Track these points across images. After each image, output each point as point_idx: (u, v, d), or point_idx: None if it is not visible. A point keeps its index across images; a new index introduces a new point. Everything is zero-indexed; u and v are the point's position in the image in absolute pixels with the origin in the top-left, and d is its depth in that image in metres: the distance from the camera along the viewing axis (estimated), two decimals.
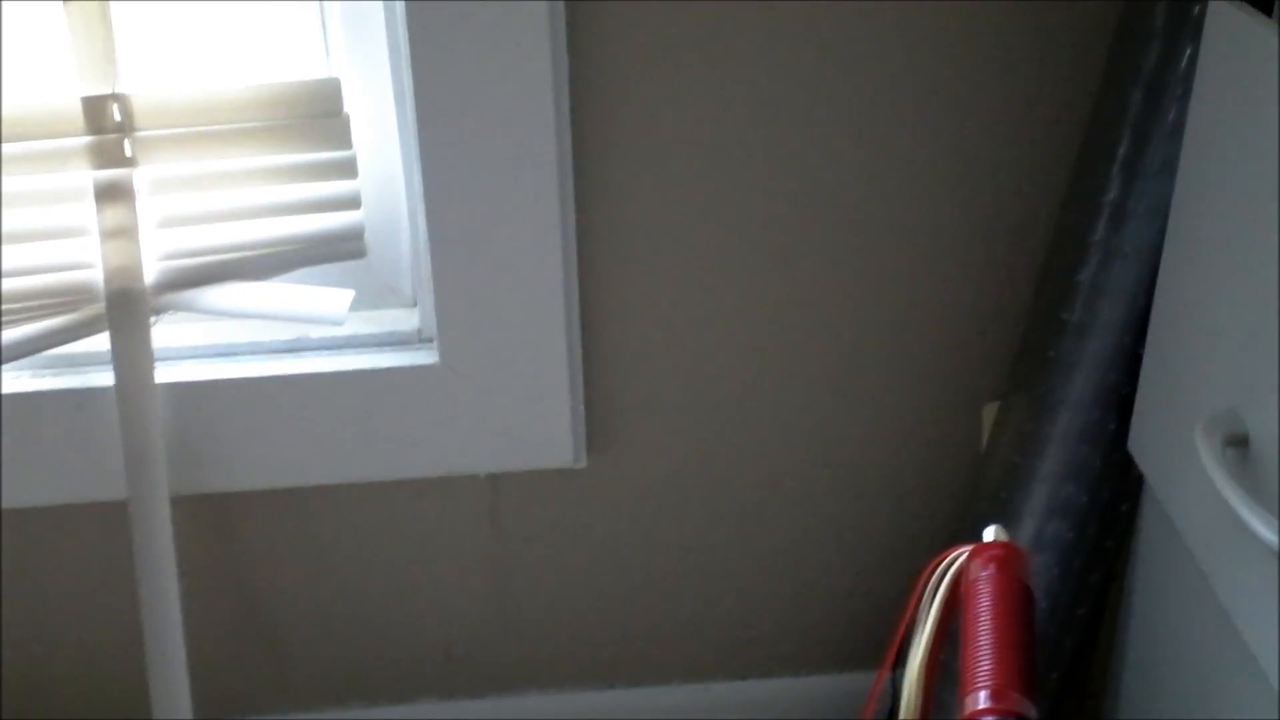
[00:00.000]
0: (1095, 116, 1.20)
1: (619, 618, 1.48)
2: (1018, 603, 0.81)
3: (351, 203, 1.26)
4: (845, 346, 1.35)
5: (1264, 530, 0.86)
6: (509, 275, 1.27)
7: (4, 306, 1.25)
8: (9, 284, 1.24)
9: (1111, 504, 1.22)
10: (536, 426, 1.33)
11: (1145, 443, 1.16)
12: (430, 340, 1.32)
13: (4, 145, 1.19)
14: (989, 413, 1.35)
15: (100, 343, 1.26)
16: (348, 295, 1.27)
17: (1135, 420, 1.17)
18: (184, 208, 1.24)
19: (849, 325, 1.34)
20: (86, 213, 1.22)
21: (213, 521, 1.39)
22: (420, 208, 1.25)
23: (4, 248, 1.23)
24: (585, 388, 1.33)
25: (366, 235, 1.27)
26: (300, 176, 1.24)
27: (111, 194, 1.22)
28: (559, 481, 1.38)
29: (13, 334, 1.26)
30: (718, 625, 1.49)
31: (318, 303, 1.27)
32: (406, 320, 1.34)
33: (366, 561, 1.43)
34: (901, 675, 0.93)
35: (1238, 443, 0.95)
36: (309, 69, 1.25)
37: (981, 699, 0.76)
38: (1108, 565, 1.23)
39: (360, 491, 1.38)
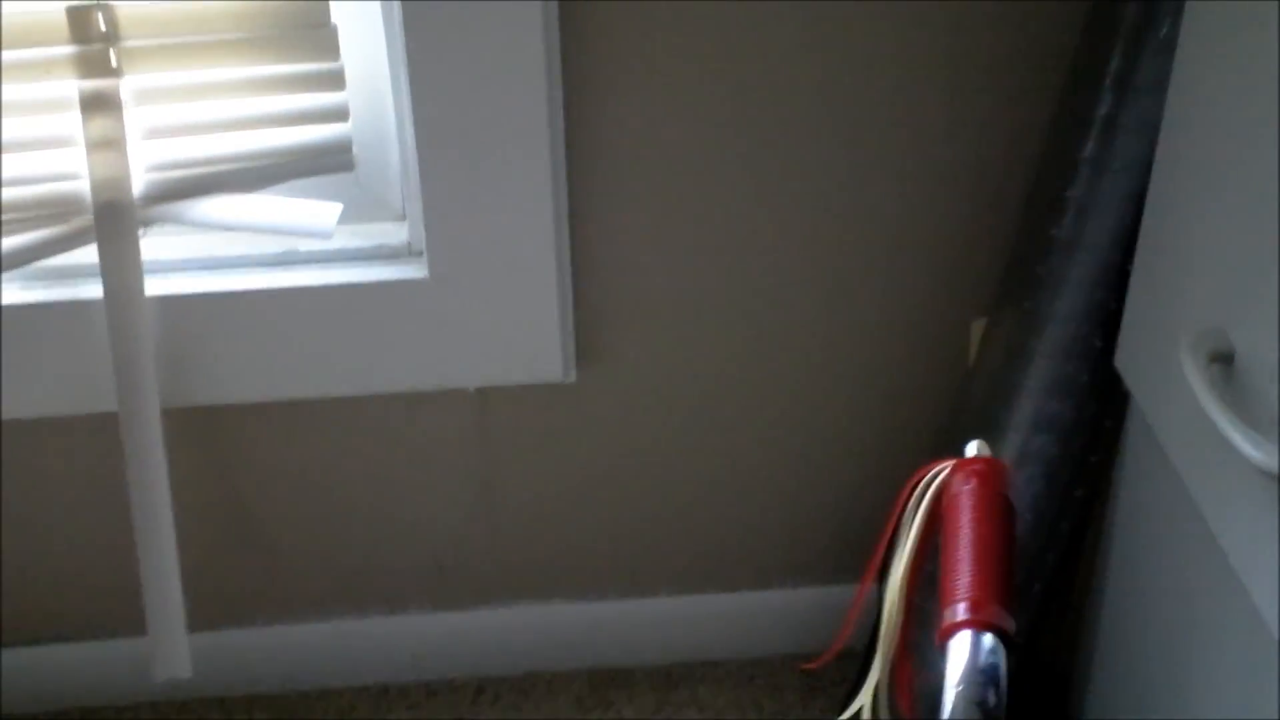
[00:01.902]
0: (1087, 31, 1.19)
1: (607, 531, 1.49)
2: (998, 517, 0.82)
3: (339, 115, 1.25)
4: (835, 261, 1.35)
5: (1248, 447, 0.87)
6: (498, 189, 1.26)
7: None
8: None
9: (1097, 419, 1.22)
10: (525, 340, 1.33)
11: (1131, 359, 1.16)
12: (419, 254, 1.31)
13: None
14: (977, 328, 1.35)
15: (89, 254, 1.26)
16: (336, 208, 1.27)
17: (1122, 337, 1.18)
18: (170, 119, 1.23)
19: (838, 240, 1.34)
20: (73, 123, 1.21)
21: (203, 434, 1.40)
22: (408, 121, 1.24)
23: None
24: (574, 302, 1.33)
25: (355, 148, 1.27)
26: (287, 88, 1.23)
27: (97, 104, 1.21)
28: (548, 395, 1.39)
29: (1, 245, 1.25)
30: (705, 538, 1.51)
31: (306, 216, 1.27)
32: (395, 234, 1.33)
33: (356, 474, 1.44)
34: (885, 587, 0.94)
35: (1223, 360, 0.95)
36: None
37: (960, 611, 0.76)
38: (1093, 480, 1.24)
39: (350, 404, 1.38)
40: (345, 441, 1.42)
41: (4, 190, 1.24)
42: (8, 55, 1.18)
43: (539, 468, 1.45)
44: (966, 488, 0.83)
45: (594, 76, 1.24)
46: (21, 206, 1.25)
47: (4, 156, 1.23)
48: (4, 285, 1.29)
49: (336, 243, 1.31)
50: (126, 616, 1.41)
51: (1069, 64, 1.22)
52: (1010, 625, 0.75)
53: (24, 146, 1.23)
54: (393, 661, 1.54)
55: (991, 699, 0.73)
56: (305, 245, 1.31)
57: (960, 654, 0.74)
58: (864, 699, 0.90)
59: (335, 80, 1.23)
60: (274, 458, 1.42)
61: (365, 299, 1.31)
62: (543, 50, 1.20)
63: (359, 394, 1.36)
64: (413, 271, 1.31)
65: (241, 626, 1.51)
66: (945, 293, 1.37)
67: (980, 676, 0.73)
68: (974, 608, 0.75)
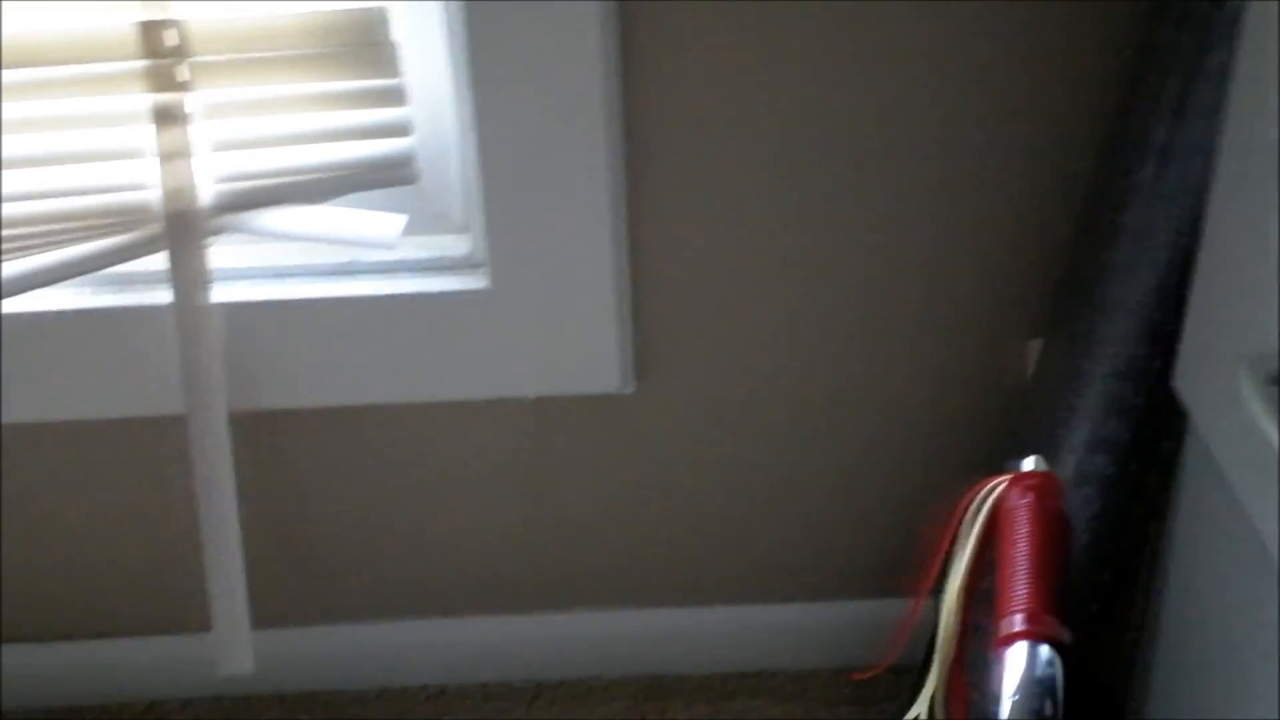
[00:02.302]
0: (1141, 55, 1.19)
1: (661, 541, 1.51)
2: (1055, 530, 0.82)
3: (402, 129, 1.27)
4: (891, 279, 1.36)
5: None
6: (558, 201, 1.28)
7: (65, 225, 1.27)
8: (70, 203, 1.26)
9: (1154, 440, 1.22)
10: (584, 351, 1.34)
11: (1189, 380, 1.16)
12: (480, 265, 1.33)
13: (62, 68, 1.21)
14: (1033, 348, 1.35)
15: (159, 262, 1.28)
16: (400, 220, 1.29)
17: (1179, 358, 1.17)
18: (238, 132, 1.26)
19: (895, 258, 1.35)
20: (144, 135, 1.24)
21: (268, 437, 1.42)
22: (471, 134, 1.26)
23: (64, 168, 1.26)
24: (633, 314, 1.35)
25: (418, 161, 1.29)
26: (350, 103, 1.25)
27: (167, 117, 1.23)
28: (605, 407, 1.40)
29: (73, 253, 1.28)
30: (759, 551, 1.51)
31: (370, 227, 1.29)
32: (456, 245, 1.35)
33: (415, 479, 1.46)
34: (939, 601, 0.94)
35: None
36: None
37: (1017, 622, 0.77)
38: (1149, 501, 1.24)
39: (409, 412, 1.40)
40: (404, 447, 1.44)
41: (76, 199, 1.27)
42: (82, 69, 1.21)
43: (595, 477, 1.46)
44: (1023, 501, 0.84)
45: (654, 91, 1.25)
46: (93, 215, 1.28)
47: (78, 167, 1.26)
48: (75, 290, 1.33)
49: (399, 254, 1.33)
50: (191, 613, 1.44)
51: (1123, 88, 1.22)
52: (1066, 637, 0.76)
53: (97, 157, 1.26)
54: (450, 663, 1.56)
55: (1048, 709, 0.74)
56: (368, 256, 1.34)
57: (1017, 664, 0.75)
58: (919, 709, 0.90)
59: (398, 96, 1.25)
60: (335, 461, 1.44)
61: (426, 309, 1.33)
62: (603, 65, 1.22)
63: (419, 401, 1.38)
64: (473, 282, 1.33)
65: (303, 625, 1.53)
66: (1001, 313, 1.37)
67: (1036, 687, 0.74)
68: (1031, 619, 0.76)
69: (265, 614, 1.42)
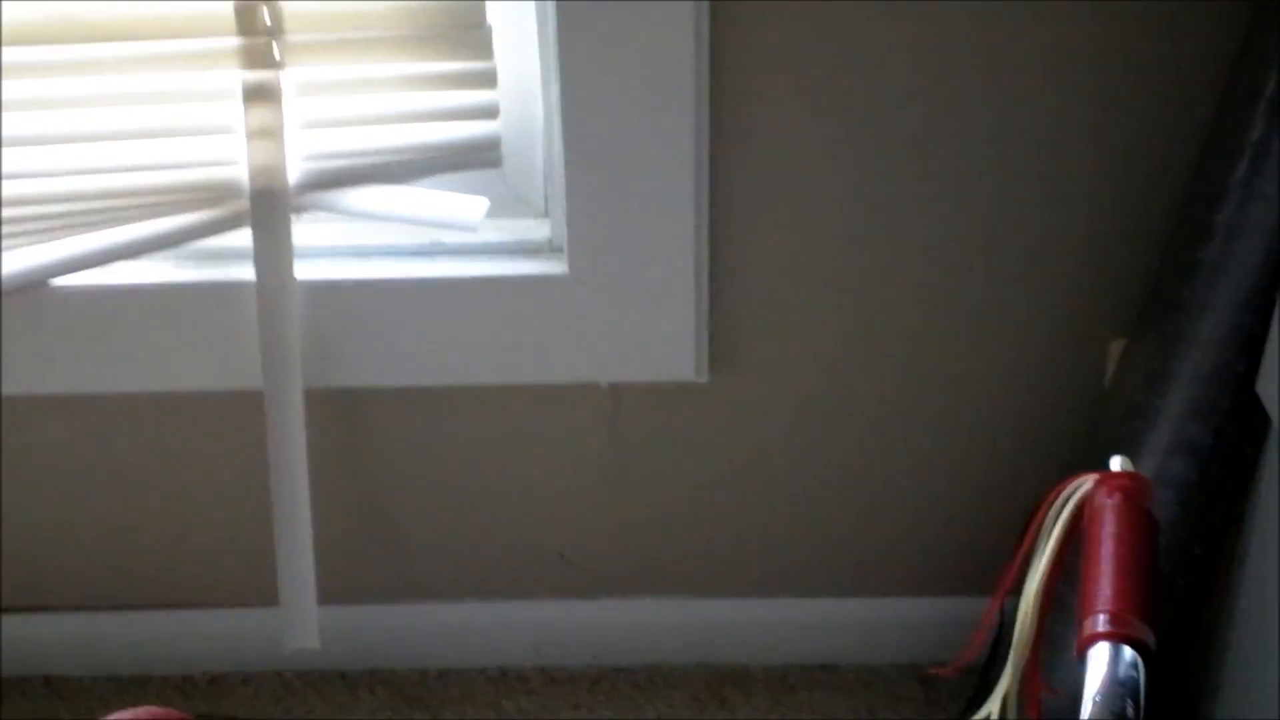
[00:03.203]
0: (1240, 54, 1.18)
1: (731, 531, 1.51)
2: (1143, 532, 0.81)
3: (489, 113, 1.28)
4: (974, 275, 1.35)
5: None
6: (640, 189, 1.28)
7: (153, 199, 1.29)
8: (158, 177, 1.28)
9: (1236, 445, 1.21)
10: (661, 339, 1.35)
11: (1274, 385, 1.15)
12: (560, 250, 1.34)
13: (157, 43, 1.22)
14: (1115, 349, 1.34)
15: (243, 238, 1.30)
16: (483, 203, 1.30)
17: (1265, 362, 1.16)
18: (328, 111, 1.27)
19: (979, 254, 1.34)
20: (234, 112, 1.25)
21: (341, 415, 1.43)
22: (556, 120, 1.27)
23: (155, 142, 1.27)
24: (711, 303, 1.35)
25: (503, 145, 1.29)
26: (440, 85, 1.26)
27: (259, 95, 1.25)
28: (680, 395, 1.40)
29: (159, 226, 1.30)
30: (831, 544, 1.51)
31: (453, 209, 1.30)
32: (538, 230, 1.36)
33: (487, 461, 1.47)
34: (1015, 603, 0.94)
35: None
36: None
37: (1101, 622, 0.76)
38: (1229, 506, 1.23)
39: (485, 394, 1.41)
40: (479, 430, 1.45)
41: (165, 173, 1.29)
42: (177, 45, 1.23)
43: (667, 465, 1.46)
44: (1110, 501, 0.83)
45: (742, 81, 1.25)
46: (180, 190, 1.29)
47: (168, 141, 1.27)
48: (159, 264, 1.34)
49: (480, 236, 1.34)
50: (259, 587, 1.45)
51: (1221, 86, 1.21)
52: (1151, 639, 0.75)
53: (188, 133, 1.28)
54: (513, 646, 1.56)
55: (1130, 711, 0.73)
56: (450, 238, 1.35)
57: (1099, 665, 0.74)
58: (992, 707, 0.90)
59: (487, 79, 1.26)
60: (409, 442, 1.46)
61: (506, 292, 1.34)
62: (692, 55, 1.22)
63: (495, 384, 1.39)
64: (553, 267, 1.33)
65: (368, 603, 1.54)
66: (1084, 312, 1.36)
67: (1119, 689, 0.73)
68: (1115, 620, 0.75)
69: (332, 590, 1.43)
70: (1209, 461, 1.20)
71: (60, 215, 1.29)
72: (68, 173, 1.28)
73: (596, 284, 1.32)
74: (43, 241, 1.30)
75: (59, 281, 1.32)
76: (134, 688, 1.56)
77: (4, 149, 1.24)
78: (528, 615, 1.55)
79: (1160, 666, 1.20)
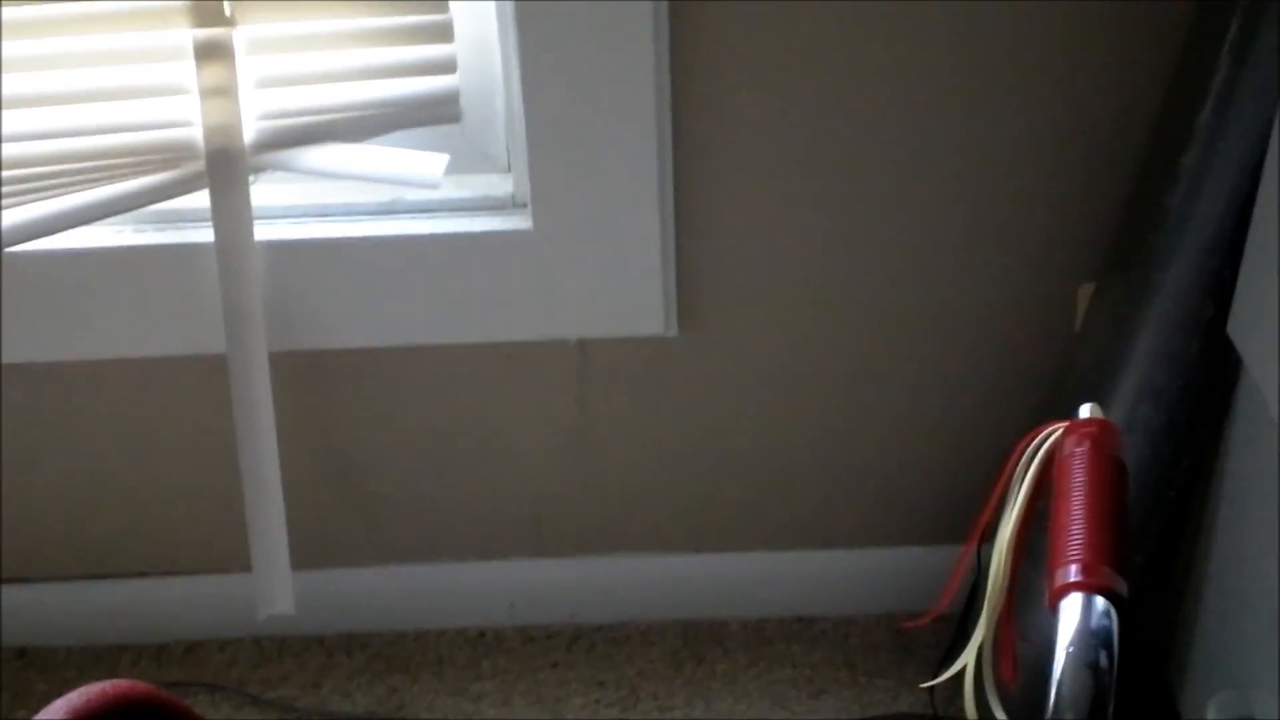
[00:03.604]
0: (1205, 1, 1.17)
1: (704, 486, 1.50)
2: (1112, 480, 0.81)
3: (447, 67, 1.26)
4: (940, 222, 1.34)
5: None
6: (603, 142, 1.26)
7: (107, 162, 1.27)
8: (113, 140, 1.26)
9: (1204, 390, 1.20)
10: (628, 294, 1.33)
11: (1245, 328, 1.14)
12: (524, 205, 1.32)
13: (107, 3, 1.20)
14: (1084, 294, 1.33)
15: (200, 200, 1.28)
16: (443, 159, 1.28)
17: (1235, 305, 1.16)
18: (282, 68, 1.25)
19: (945, 201, 1.33)
20: (187, 72, 1.23)
21: (308, 378, 1.42)
22: (515, 73, 1.25)
23: (108, 105, 1.25)
24: (678, 258, 1.34)
25: (462, 100, 1.27)
26: (396, 39, 1.24)
27: (211, 53, 1.23)
28: (649, 350, 1.40)
29: (115, 190, 1.28)
30: (803, 496, 1.51)
31: (413, 166, 1.28)
32: (500, 185, 1.34)
33: (456, 422, 1.46)
34: (988, 550, 0.93)
35: None
36: None
37: (1072, 572, 0.75)
38: (1199, 451, 1.22)
39: (452, 353, 1.40)
40: (446, 390, 1.43)
41: (119, 135, 1.26)
42: (127, 5, 1.20)
43: (638, 420, 1.46)
44: (1079, 450, 0.82)
45: (702, 33, 1.24)
46: (135, 151, 1.27)
47: (120, 103, 1.25)
48: (117, 228, 1.32)
49: (441, 193, 1.32)
50: (232, 554, 1.44)
51: (1185, 31, 1.19)
52: (1123, 588, 0.75)
53: (140, 94, 1.25)
54: (489, 607, 1.56)
55: (1103, 661, 0.72)
56: (411, 195, 1.33)
57: (1072, 616, 0.74)
58: (968, 658, 0.89)
59: (444, 32, 1.24)
60: (376, 403, 1.44)
61: (469, 249, 1.32)
62: (650, 6, 1.20)
63: (461, 343, 1.38)
64: (516, 223, 1.32)
65: (343, 567, 1.54)
66: (1052, 257, 1.35)
67: (1092, 639, 0.73)
68: (1087, 570, 0.75)
69: (305, 555, 1.42)
70: (1178, 406, 1.19)
71: (14, 181, 1.27)
72: (18, 138, 1.25)
73: (561, 239, 1.31)
74: None
75: (15, 249, 1.29)
76: (110, 657, 1.56)
77: None
78: (503, 575, 1.55)
79: (1132, 611, 1.20)
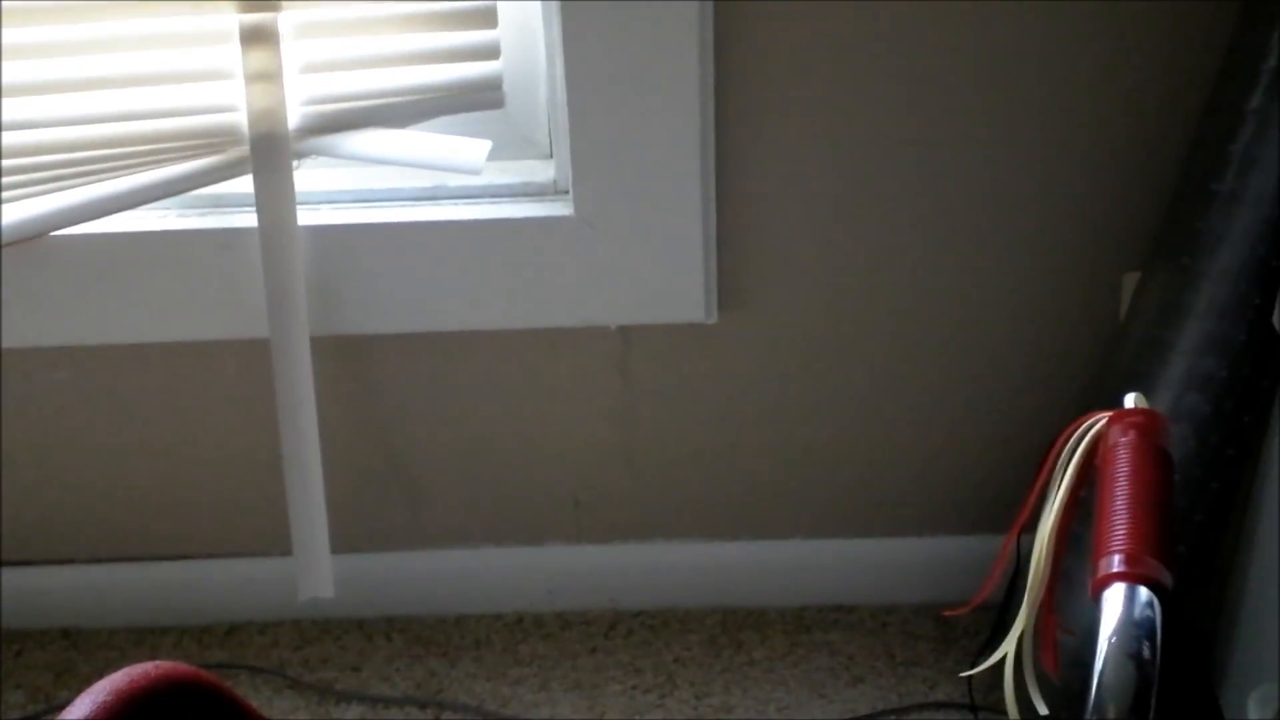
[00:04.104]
0: None
1: (744, 472, 1.50)
2: (1158, 470, 0.80)
3: (491, 52, 1.26)
4: (985, 210, 1.33)
5: None
6: (645, 128, 1.26)
7: (152, 147, 1.27)
8: (158, 124, 1.27)
9: (1252, 379, 1.19)
10: (669, 280, 1.33)
11: None
12: (565, 192, 1.32)
13: None
14: (1129, 282, 1.32)
15: (245, 185, 1.28)
16: (485, 145, 1.28)
17: None
18: (327, 53, 1.26)
19: (990, 189, 1.32)
20: (232, 56, 1.24)
21: (350, 363, 1.43)
22: (559, 59, 1.25)
23: (153, 89, 1.26)
24: (719, 244, 1.33)
25: (505, 86, 1.27)
26: (440, 24, 1.24)
27: (256, 38, 1.23)
28: (690, 336, 1.39)
29: (160, 174, 1.29)
30: (843, 484, 1.50)
31: (456, 151, 1.28)
32: (542, 171, 1.34)
33: (497, 408, 1.46)
34: (1030, 540, 0.93)
35: None
36: None
37: (1116, 562, 0.75)
38: (1244, 441, 1.21)
39: (493, 339, 1.40)
40: (488, 375, 1.44)
41: (164, 120, 1.27)
42: None
43: (678, 407, 1.45)
44: (1124, 439, 0.81)
45: (746, 20, 1.23)
46: (180, 136, 1.28)
47: (166, 87, 1.26)
48: (161, 212, 1.33)
49: (484, 179, 1.32)
50: (273, 536, 1.45)
51: (1236, 15, 1.18)
52: (1167, 579, 0.74)
53: (185, 78, 1.26)
54: (529, 591, 1.56)
55: (1146, 652, 0.72)
56: (454, 181, 1.33)
57: (1115, 606, 0.73)
58: (1008, 647, 0.89)
59: (488, 18, 1.24)
60: (418, 388, 1.45)
61: (511, 235, 1.32)
62: None
63: (503, 328, 1.38)
64: (559, 209, 1.32)
65: (383, 551, 1.54)
66: (1098, 245, 1.34)
67: (1135, 630, 0.72)
68: (1130, 560, 0.74)
69: (345, 539, 1.43)
70: (1224, 395, 1.18)
71: (60, 165, 1.28)
72: (67, 122, 1.26)
73: (603, 225, 1.31)
74: (43, 193, 1.29)
75: (61, 232, 1.30)
76: (152, 639, 1.57)
77: (2, 99, 1.23)
78: (542, 560, 1.55)
79: (1175, 603, 1.19)
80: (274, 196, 1.27)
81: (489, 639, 1.55)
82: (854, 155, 1.31)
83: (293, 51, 1.24)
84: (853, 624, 1.54)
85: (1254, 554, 1.24)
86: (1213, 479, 1.21)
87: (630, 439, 1.47)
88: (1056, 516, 0.87)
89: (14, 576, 1.54)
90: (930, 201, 1.33)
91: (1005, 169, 1.31)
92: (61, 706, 0.86)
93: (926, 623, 1.53)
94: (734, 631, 1.54)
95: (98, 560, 1.56)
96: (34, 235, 1.30)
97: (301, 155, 1.29)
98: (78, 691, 0.75)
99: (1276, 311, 1.15)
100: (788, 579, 1.56)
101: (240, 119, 1.26)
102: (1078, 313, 1.38)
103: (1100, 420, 0.85)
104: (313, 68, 1.25)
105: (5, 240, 1.29)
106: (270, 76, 1.24)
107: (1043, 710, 0.89)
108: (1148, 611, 0.73)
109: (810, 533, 1.53)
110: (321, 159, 1.32)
